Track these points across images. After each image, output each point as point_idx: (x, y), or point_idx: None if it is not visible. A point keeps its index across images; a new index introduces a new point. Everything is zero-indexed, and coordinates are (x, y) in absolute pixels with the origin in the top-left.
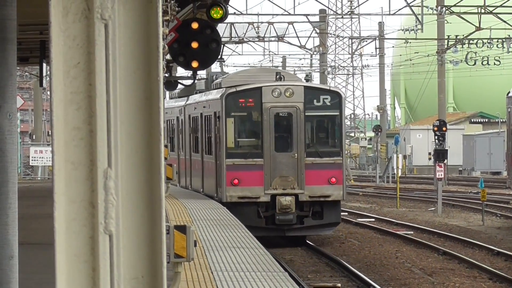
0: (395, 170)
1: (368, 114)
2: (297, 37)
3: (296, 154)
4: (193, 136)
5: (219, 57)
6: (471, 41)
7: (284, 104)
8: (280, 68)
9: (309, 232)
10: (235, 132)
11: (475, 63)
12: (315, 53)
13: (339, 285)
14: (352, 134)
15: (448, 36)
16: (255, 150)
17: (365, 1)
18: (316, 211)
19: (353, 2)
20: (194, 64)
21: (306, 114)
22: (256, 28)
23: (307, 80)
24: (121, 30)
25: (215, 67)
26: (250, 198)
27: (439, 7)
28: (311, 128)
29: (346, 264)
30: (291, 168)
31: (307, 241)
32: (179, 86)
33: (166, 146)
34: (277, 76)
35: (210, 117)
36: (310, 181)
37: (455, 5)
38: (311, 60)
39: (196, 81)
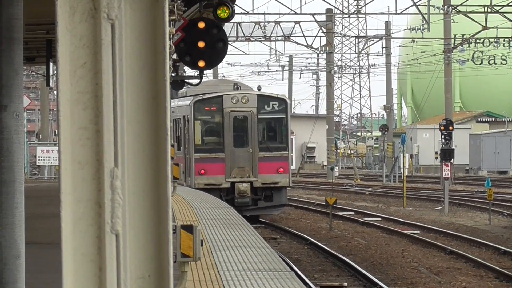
0: (402, 170)
1: (374, 113)
2: (304, 36)
3: (250, 149)
4: None
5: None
6: (477, 41)
7: (241, 109)
8: (287, 67)
9: (262, 212)
10: (201, 132)
11: (481, 62)
12: (321, 52)
13: (345, 284)
14: (359, 134)
15: (455, 35)
16: (218, 146)
17: (372, 1)
18: (267, 195)
19: (359, 2)
20: (201, 63)
21: (258, 117)
22: (263, 28)
23: (259, 89)
24: (127, 30)
25: (221, 66)
26: (214, 185)
27: (445, 6)
28: (262, 128)
29: (353, 263)
30: (247, 160)
31: (313, 240)
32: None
33: (172, 145)
34: (235, 87)
35: (180, 120)
36: (262, 171)
37: (461, 4)
38: (317, 59)
39: None
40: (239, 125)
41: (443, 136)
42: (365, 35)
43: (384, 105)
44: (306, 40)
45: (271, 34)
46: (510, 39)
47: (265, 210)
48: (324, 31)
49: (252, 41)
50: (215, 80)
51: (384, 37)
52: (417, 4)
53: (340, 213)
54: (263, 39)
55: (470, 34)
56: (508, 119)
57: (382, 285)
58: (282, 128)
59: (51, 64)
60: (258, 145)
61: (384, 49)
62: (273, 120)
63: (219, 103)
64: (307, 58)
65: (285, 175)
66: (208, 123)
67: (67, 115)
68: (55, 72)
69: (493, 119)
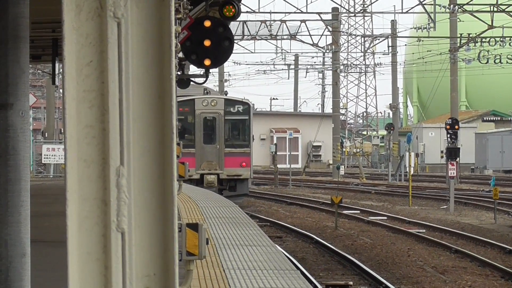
0: (408, 168)
1: (380, 112)
2: (310, 35)
3: (218, 146)
4: None
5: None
6: (483, 40)
7: (210, 111)
8: (293, 66)
9: None
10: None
11: (487, 62)
12: (327, 51)
13: (351, 283)
14: (365, 132)
15: (461, 34)
16: (190, 142)
17: None
18: (231, 186)
19: (365, 0)
20: (207, 62)
21: (225, 118)
22: (269, 26)
23: (226, 94)
24: (133, 29)
25: (227, 65)
26: None
27: (451, 5)
28: (228, 128)
29: (358, 262)
30: (215, 155)
31: (318, 239)
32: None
33: (178, 144)
34: (205, 91)
35: None
36: (227, 165)
37: (467, 3)
38: (323, 58)
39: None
40: (208, 124)
41: (448, 135)
42: (371, 34)
43: (390, 104)
44: (312, 39)
45: (277, 32)
46: None
47: (229, 199)
48: (330, 30)
49: (258, 39)
50: None
51: (390, 36)
52: (423, 3)
53: (345, 212)
54: (269, 38)
55: (476, 33)
56: None
57: (388, 284)
58: (245, 128)
59: (57, 62)
60: (224, 142)
61: (390, 48)
62: (237, 121)
63: (191, 105)
64: (313, 57)
65: (247, 169)
66: (181, 123)
67: (73, 113)
68: (61, 70)
69: (499, 118)
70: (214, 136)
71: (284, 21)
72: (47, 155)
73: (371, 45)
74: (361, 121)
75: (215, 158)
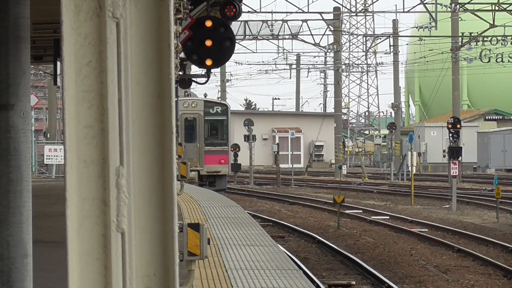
0: (410, 168)
1: (382, 111)
2: (311, 35)
3: (198, 144)
4: None
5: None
6: (485, 39)
7: (191, 112)
8: (294, 65)
9: None
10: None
11: (489, 61)
12: (329, 50)
13: (353, 282)
14: (367, 132)
15: (462, 33)
16: None
17: None
18: (211, 181)
19: (367, 0)
20: (208, 62)
21: (205, 118)
22: (270, 26)
23: (205, 96)
24: (132, 29)
25: (228, 65)
26: None
27: (453, 5)
28: (208, 128)
29: (361, 261)
30: (195, 153)
31: (321, 238)
32: None
33: (180, 144)
34: (186, 93)
35: None
36: (207, 162)
37: (469, 3)
38: (325, 57)
39: None
40: (189, 124)
41: (450, 134)
42: (372, 33)
43: (392, 103)
44: (313, 39)
45: (278, 32)
46: None
47: None
48: (332, 29)
49: (260, 39)
50: None
51: (391, 35)
52: (424, 2)
53: (348, 211)
54: (271, 38)
55: (477, 32)
56: None
57: (390, 283)
58: (224, 127)
59: (58, 63)
60: (204, 141)
61: (391, 47)
62: (216, 121)
63: None
64: (314, 57)
65: (225, 166)
66: None
67: (73, 113)
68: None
69: (501, 117)
70: (195, 135)
71: (286, 21)
72: (49, 155)
73: (373, 45)
74: (363, 120)
75: (195, 156)
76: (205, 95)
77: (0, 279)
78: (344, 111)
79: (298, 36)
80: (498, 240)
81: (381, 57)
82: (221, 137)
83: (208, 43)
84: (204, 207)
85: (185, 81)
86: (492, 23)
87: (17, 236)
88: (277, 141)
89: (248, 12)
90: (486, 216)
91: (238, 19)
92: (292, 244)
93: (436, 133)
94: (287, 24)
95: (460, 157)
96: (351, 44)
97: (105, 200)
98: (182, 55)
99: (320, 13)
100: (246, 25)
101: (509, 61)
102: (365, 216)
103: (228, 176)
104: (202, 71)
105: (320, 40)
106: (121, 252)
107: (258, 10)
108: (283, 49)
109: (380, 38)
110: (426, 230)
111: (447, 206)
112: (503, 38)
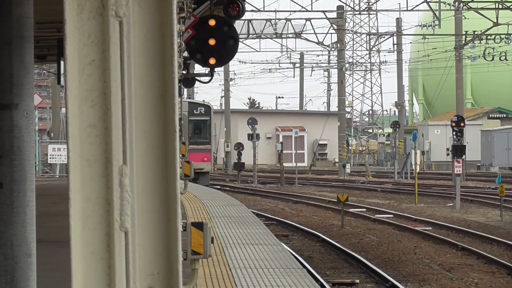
0: (413, 166)
1: (386, 110)
2: (315, 33)
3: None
4: None
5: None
6: (488, 37)
7: None
8: (298, 64)
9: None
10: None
11: (493, 59)
12: (332, 49)
13: (357, 281)
14: (370, 130)
15: (466, 31)
16: None
17: None
18: (195, 178)
19: None
20: (212, 61)
21: (189, 118)
22: (274, 25)
23: (189, 98)
24: (135, 28)
25: (232, 64)
26: None
27: (456, 3)
28: (192, 127)
29: (365, 260)
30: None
31: (325, 237)
32: None
33: (184, 143)
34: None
35: None
36: (191, 159)
37: (472, 1)
38: (328, 56)
39: None
40: None
41: (454, 133)
42: (376, 32)
43: (396, 102)
44: (317, 37)
45: (282, 31)
46: None
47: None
48: (335, 28)
49: (263, 38)
50: None
51: (395, 34)
52: (428, 0)
53: (351, 210)
54: (274, 37)
55: (481, 31)
56: None
57: (394, 281)
58: (207, 127)
59: (62, 62)
60: (188, 140)
61: (395, 46)
62: (199, 121)
63: None
64: (318, 55)
65: (208, 163)
66: None
67: (76, 113)
68: None
69: (505, 115)
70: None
71: (289, 20)
72: (53, 155)
73: (376, 43)
74: (366, 119)
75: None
76: (189, 97)
77: (4, 278)
78: (348, 109)
79: (302, 35)
80: (502, 238)
81: (384, 55)
82: (204, 136)
83: (212, 42)
84: (208, 206)
85: (188, 80)
86: (495, 21)
87: (21, 236)
88: (280, 139)
89: (252, 11)
90: (490, 214)
91: (242, 18)
92: (296, 242)
93: (439, 132)
94: (291, 22)
95: (464, 156)
96: (354, 42)
97: (109, 199)
98: (185, 54)
99: (324, 11)
100: (250, 24)
101: None
102: (369, 215)
103: (210, 173)
104: (206, 70)
105: (324, 38)
106: (125, 251)
107: (262, 9)
108: (287, 48)
109: (384, 37)
110: (430, 228)
111: (451, 204)
112: (506, 36)
